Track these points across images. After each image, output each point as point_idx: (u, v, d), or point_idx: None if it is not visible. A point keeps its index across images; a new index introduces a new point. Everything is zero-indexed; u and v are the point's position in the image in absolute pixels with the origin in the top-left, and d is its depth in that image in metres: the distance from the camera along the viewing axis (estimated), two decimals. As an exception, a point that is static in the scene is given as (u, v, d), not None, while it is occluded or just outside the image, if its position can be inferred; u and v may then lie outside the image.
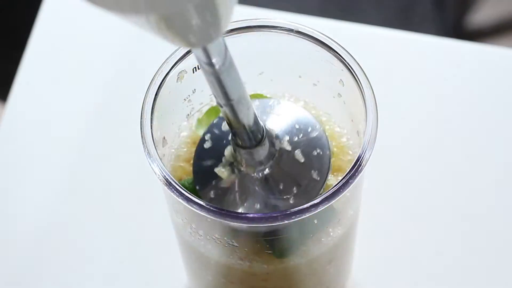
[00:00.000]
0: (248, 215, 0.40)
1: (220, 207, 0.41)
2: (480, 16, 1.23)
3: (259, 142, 0.42)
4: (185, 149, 0.47)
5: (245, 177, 0.44)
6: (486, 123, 0.63)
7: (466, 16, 1.16)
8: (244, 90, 0.39)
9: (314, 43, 0.44)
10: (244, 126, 0.41)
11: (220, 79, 0.37)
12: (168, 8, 0.30)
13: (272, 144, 0.43)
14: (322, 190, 0.44)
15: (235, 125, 0.41)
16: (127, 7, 0.30)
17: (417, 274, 0.58)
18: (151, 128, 0.43)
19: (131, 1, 0.29)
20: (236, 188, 0.44)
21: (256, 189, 0.44)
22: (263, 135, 0.42)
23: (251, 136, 0.42)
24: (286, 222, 0.40)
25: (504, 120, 0.63)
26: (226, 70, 0.37)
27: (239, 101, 0.39)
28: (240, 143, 0.42)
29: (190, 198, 0.41)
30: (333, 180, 0.45)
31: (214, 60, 0.36)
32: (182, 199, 0.41)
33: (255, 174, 0.44)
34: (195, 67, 0.45)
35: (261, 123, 0.42)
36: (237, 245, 0.44)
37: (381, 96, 0.63)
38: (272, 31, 0.44)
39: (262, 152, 0.43)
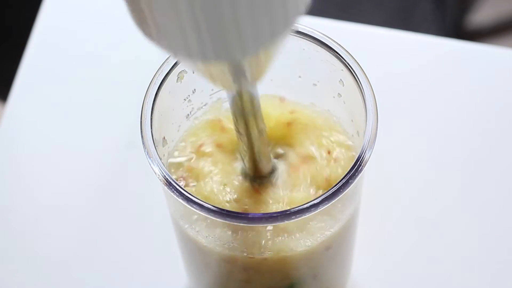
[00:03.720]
0: (248, 215, 0.40)
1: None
2: (480, 16, 1.23)
3: (269, 175, 0.44)
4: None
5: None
6: (486, 123, 0.63)
7: (466, 16, 1.16)
8: (263, 122, 0.40)
9: (314, 43, 0.44)
10: (258, 158, 0.42)
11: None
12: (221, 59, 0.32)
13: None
14: None
15: (249, 155, 0.42)
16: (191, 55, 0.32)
17: (417, 275, 0.58)
18: (151, 128, 0.43)
19: (195, 50, 0.31)
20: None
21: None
22: (273, 169, 0.44)
23: (261, 168, 0.43)
24: (286, 222, 0.40)
25: (504, 120, 0.63)
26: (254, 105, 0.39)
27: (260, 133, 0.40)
28: (251, 173, 0.43)
29: (190, 198, 0.41)
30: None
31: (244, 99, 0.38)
32: (182, 199, 0.41)
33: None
34: None
35: (273, 160, 0.43)
36: (237, 245, 0.44)
37: (381, 96, 0.63)
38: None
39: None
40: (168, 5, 0.30)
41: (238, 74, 0.34)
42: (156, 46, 0.32)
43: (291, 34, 0.44)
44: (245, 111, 0.38)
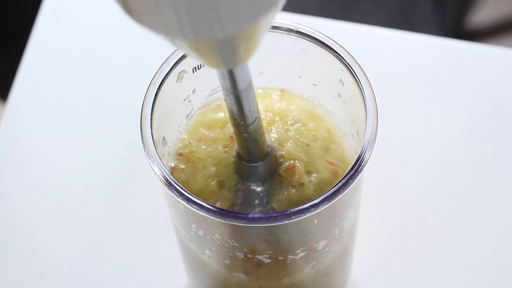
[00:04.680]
0: (248, 215, 0.40)
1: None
2: (480, 16, 1.23)
3: (263, 158, 0.43)
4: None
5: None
6: (486, 122, 0.63)
7: (465, 16, 1.16)
8: (258, 109, 0.40)
9: (314, 43, 0.44)
10: (252, 140, 0.41)
11: (240, 100, 0.39)
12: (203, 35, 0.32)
13: (275, 159, 0.44)
14: None
15: (243, 140, 0.41)
16: (172, 31, 0.32)
17: (417, 275, 0.58)
18: (151, 128, 0.43)
19: (176, 27, 0.32)
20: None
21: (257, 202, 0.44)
22: (268, 151, 0.43)
23: (256, 150, 0.42)
24: (286, 222, 0.40)
25: (504, 120, 0.63)
26: (246, 91, 0.38)
27: (255, 122, 0.40)
28: (245, 157, 0.43)
29: (190, 198, 0.41)
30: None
31: (237, 82, 0.38)
32: (182, 199, 0.41)
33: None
34: (195, 67, 0.45)
35: (268, 140, 0.43)
36: (237, 245, 0.44)
37: (381, 96, 0.63)
38: (272, 31, 0.44)
39: (265, 167, 0.43)
40: None
41: (224, 51, 0.34)
42: (138, 24, 0.32)
43: (291, 34, 0.44)
44: (237, 90, 0.38)
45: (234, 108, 0.39)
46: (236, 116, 0.40)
